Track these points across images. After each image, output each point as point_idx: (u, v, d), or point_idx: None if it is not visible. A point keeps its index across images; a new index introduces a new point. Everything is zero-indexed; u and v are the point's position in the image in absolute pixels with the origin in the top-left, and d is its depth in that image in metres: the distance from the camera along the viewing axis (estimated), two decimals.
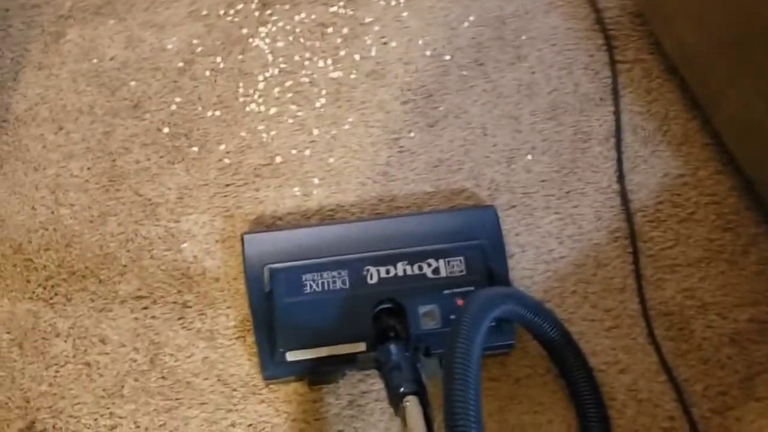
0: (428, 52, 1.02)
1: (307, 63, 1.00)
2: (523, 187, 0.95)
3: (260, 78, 0.99)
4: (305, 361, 0.82)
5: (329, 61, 1.01)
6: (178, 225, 0.91)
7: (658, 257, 0.92)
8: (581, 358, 0.84)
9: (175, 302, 0.88)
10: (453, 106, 0.99)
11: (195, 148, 0.95)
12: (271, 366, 0.82)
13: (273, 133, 0.97)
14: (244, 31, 1.02)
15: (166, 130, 0.96)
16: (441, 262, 0.85)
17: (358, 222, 0.92)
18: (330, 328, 0.82)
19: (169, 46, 1.00)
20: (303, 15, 1.03)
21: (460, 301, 0.83)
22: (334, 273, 0.84)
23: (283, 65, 1.00)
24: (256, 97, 0.98)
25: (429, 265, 0.85)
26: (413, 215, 0.92)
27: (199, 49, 1.00)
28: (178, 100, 0.98)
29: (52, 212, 0.91)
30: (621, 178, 0.96)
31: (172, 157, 0.95)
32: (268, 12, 1.03)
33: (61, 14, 1.01)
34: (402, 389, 0.75)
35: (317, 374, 0.83)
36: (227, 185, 0.94)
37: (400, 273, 0.85)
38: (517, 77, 1.01)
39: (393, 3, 1.04)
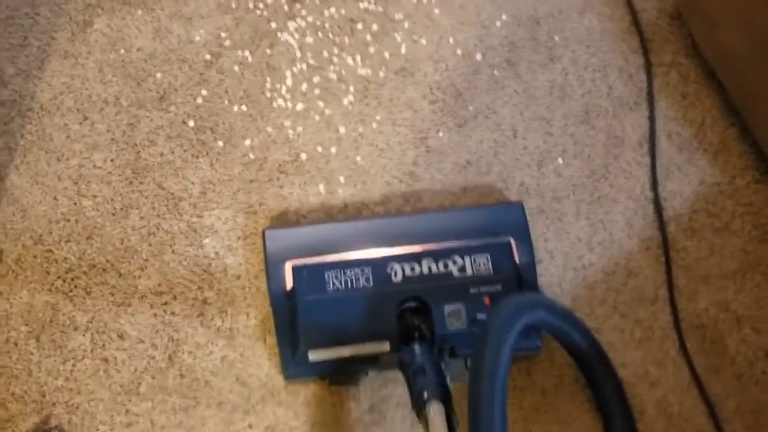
0: (459, 51, 1.00)
1: (335, 59, 0.98)
2: (553, 192, 0.93)
3: (288, 73, 0.97)
4: (327, 361, 0.80)
5: (358, 58, 0.99)
6: (200, 220, 0.90)
7: (692, 268, 0.90)
8: (610, 370, 0.82)
9: (195, 299, 0.86)
10: (483, 106, 0.97)
11: (220, 143, 0.94)
12: (293, 365, 0.81)
13: (299, 129, 0.95)
14: (273, 25, 1.00)
15: (191, 123, 0.94)
16: (467, 259, 0.83)
17: (382, 218, 0.90)
18: (353, 327, 0.80)
19: (197, 38, 0.99)
20: (332, 10, 1.01)
21: (487, 300, 0.81)
22: (358, 270, 0.82)
23: (311, 61, 0.98)
24: (283, 92, 0.96)
25: (455, 262, 0.83)
26: (439, 211, 0.91)
27: (227, 42, 0.98)
28: (204, 93, 0.96)
29: (75, 203, 0.90)
30: (655, 185, 0.94)
31: (196, 150, 0.93)
32: (298, 6, 1.01)
33: (89, 3, 1.00)
34: (426, 394, 0.73)
35: (339, 374, 0.82)
36: (251, 181, 0.92)
37: (425, 271, 0.83)
38: (550, 79, 0.99)
39: (424, 0, 1.02)
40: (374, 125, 0.96)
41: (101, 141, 0.93)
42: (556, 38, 1.01)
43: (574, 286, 0.89)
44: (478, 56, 1.00)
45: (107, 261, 0.88)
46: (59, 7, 1.00)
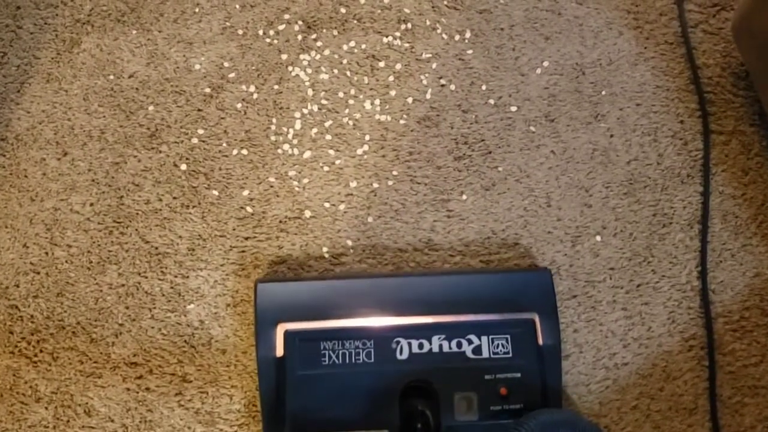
0: (491, 100, 0.88)
1: (351, 102, 0.87)
2: (587, 274, 0.82)
3: (297, 115, 0.86)
4: None
5: (377, 102, 0.87)
6: (185, 282, 0.80)
7: (739, 375, 0.79)
8: None
9: (173, 374, 0.76)
10: (514, 167, 0.86)
11: (214, 192, 0.83)
12: None
13: (305, 181, 0.84)
14: (284, 57, 0.89)
15: (183, 166, 0.84)
16: (484, 339, 0.74)
17: (391, 277, 0.79)
18: (348, 409, 0.72)
19: (197, 67, 0.88)
20: (353, 44, 0.89)
21: (503, 390, 0.72)
22: (359, 343, 0.73)
23: (324, 101, 0.87)
24: (290, 136, 0.85)
25: (469, 342, 0.74)
26: (455, 274, 0.80)
27: (231, 74, 0.87)
28: (200, 132, 0.85)
29: (46, 253, 0.80)
30: (703, 273, 0.83)
31: (187, 199, 0.83)
32: (313, 36, 0.90)
33: (78, 18, 0.89)
34: None
35: None
36: (246, 238, 0.82)
37: (435, 349, 0.74)
38: (593, 140, 0.87)
39: (457, 37, 0.90)
40: (390, 181, 0.85)
41: (81, 181, 0.83)
42: (603, 92, 0.89)
43: (603, 388, 0.78)
44: (513, 108, 0.88)
45: (78, 323, 0.78)
46: (45, 21, 0.89)
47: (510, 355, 0.74)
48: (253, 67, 0.88)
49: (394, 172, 0.85)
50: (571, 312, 0.80)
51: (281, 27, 0.90)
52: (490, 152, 0.86)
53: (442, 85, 0.89)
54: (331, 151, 0.85)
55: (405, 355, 0.73)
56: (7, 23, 0.89)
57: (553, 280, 0.78)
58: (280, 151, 0.85)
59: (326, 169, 0.85)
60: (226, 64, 0.88)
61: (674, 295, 0.82)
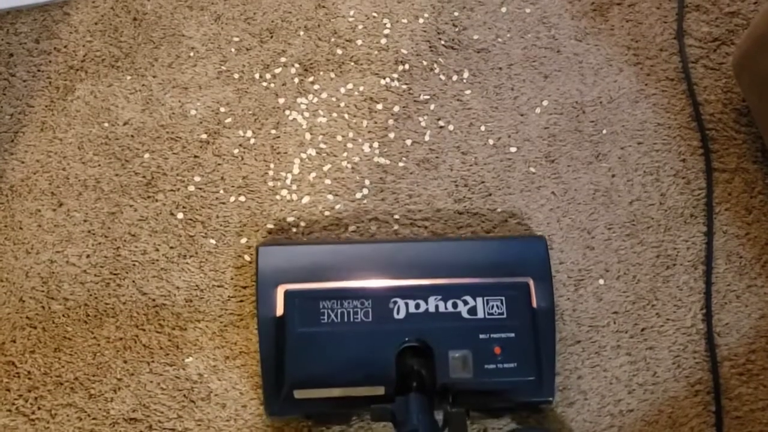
0: (491, 141, 0.87)
1: (350, 145, 0.86)
2: (591, 319, 0.81)
3: (295, 160, 0.85)
4: (314, 401, 0.74)
5: (375, 145, 0.86)
6: (183, 334, 0.79)
7: (746, 420, 0.77)
8: None
9: (173, 429, 0.75)
10: (515, 209, 0.84)
11: (212, 240, 0.82)
12: (276, 402, 0.74)
13: (303, 225, 0.83)
14: (281, 100, 0.88)
15: (180, 215, 0.83)
16: (479, 301, 0.75)
17: (390, 242, 0.82)
18: (346, 366, 0.73)
19: (193, 112, 0.87)
20: (350, 86, 0.88)
21: (497, 349, 0.74)
22: (357, 303, 0.74)
23: (322, 145, 0.86)
24: (288, 181, 0.84)
25: (465, 302, 0.75)
26: (452, 241, 0.82)
27: (227, 119, 0.86)
28: (197, 179, 0.84)
29: (43, 307, 0.79)
30: (708, 316, 0.82)
31: (184, 249, 0.82)
32: (310, 79, 0.89)
33: (72, 65, 0.88)
34: None
35: (326, 416, 0.76)
36: (244, 287, 0.81)
37: (432, 309, 0.75)
38: (594, 180, 0.86)
39: (455, 78, 0.89)
40: (390, 225, 0.84)
41: (77, 233, 0.82)
42: (604, 131, 0.88)
43: None
44: (513, 149, 0.87)
45: (76, 378, 0.77)
46: (38, 68, 0.88)
47: (504, 316, 0.75)
48: (250, 112, 0.87)
49: (395, 216, 0.84)
50: (575, 358, 0.79)
51: (278, 70, 0.89)
52: (490, 194, 0.85)
53: (441, 127, 0.88)
54: (330, 196, 0.84)
55: (402, 315, 0.74)
56: None
57: (547, 247, 0.79)
58: (278, 196, 0.84)
59: (326, 213, 0.83)
60: (222, 109, 0.87)
61: (679, 338, 0.81)
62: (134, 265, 0.81)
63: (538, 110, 0.89)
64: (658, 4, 0.93)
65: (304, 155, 0.86)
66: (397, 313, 0.74)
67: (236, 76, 0.88)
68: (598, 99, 0.89)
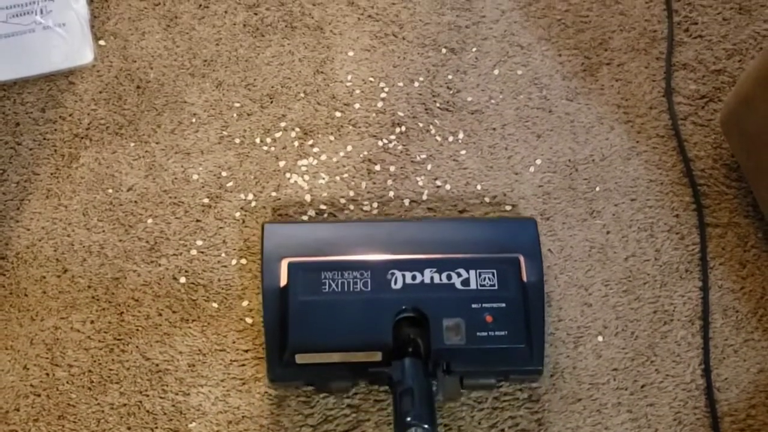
0: (487, 199, 0.89)
1: (351, 206, 0.88)
2: (591, 376, 0.82)
3: None
4: (315, 366, 0.77)
5: (375, 205, 0.88)
6: (187, 399, 0.79)
7: None
8: None
9: None
10: None
11: (214, 304, 0.83)
12: (279, 367, 0.77)
13: None
14: (282, 164, 0.90)
15: (182, 279, 0.84)
16: (472, 273, 0.79)
17: (388, 221, 0.87)
18: (345, 332, 0.77)
19: (195, 177, 0.89)
20: (349, 148, 0.90)
21: (488, 318, 0.77)
22: (356, 273, 0.79)
23: (322, 206, 0.88)
24: None
25: (459, 275, 0.79)
26: (447, 220, 0.87)
27: (229, 183, 0.88)
28: (199, 243, 0.86)
29: (47, 374, 0.80)
30: (707, 372, 0.82)
31: (186, 313, 0.83)
32: (310, 142, 0.91)
33: (77, 132, 0.90)
34: (409, 418, 0.68)
35: (326, 381, 0.78)
36: (246, 351, 0.81)
37: (427, 280, 0.79)
38: (589, 237, 0.88)
39: (450, 139, 0.91)
40: None
41: (81, 299, 0.83)
42: (597, 188, 0.90)
43: None
44: (508, 207, 0.88)
45: None
46: (44, 136, 0.90)
47: (496, 287, 0.79)
48: (251, 175, 0.89)
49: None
50: (576, 416, 0.80)
51: (278, 134, 0.91)
52: None
53: (438, 186, 0.90)
54: None
55: (399, 285, 0.78)
56: (6, 140, 0.90)
57: (537, 227, 0.83)
58: None
59: None
60: (223, 174, 0.89)
61: (679, 394, 0.81)
62: (138, 330, 0.82)
63: (532, 169, 0.91)
64: (647, 63, 0.96)
65: (305, 217, 0.87)
66: (395, 283, 0.78)
67: (237, 140, 0.91)
68: (591, 157, 0.91)
